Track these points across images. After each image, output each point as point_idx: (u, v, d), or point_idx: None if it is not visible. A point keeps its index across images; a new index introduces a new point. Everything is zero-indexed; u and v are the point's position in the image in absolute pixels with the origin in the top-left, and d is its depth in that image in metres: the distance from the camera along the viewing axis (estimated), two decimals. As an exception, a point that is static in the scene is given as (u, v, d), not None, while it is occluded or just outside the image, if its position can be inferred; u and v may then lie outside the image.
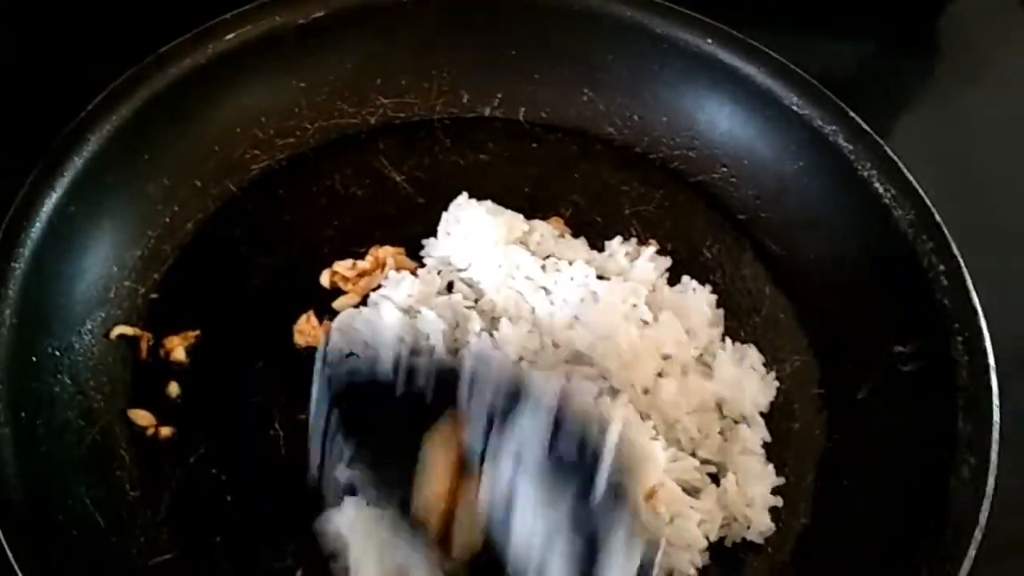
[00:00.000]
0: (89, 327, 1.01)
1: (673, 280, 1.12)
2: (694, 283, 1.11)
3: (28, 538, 0.83)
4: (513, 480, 0.74)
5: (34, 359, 0.94)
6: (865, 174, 1.10)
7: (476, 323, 1.04)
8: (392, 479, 0.81)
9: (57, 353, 0.97)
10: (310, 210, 1.15)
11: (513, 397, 0.76)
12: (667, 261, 1.12)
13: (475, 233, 1.08)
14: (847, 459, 1.01)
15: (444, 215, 1.11)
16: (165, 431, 0.99)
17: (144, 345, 1.03)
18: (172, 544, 0.93)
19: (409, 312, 1.04)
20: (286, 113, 1.19)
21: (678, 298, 1.09)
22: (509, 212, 1.12)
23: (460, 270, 1.09)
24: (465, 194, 1.12)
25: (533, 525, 0.73)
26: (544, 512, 0.73)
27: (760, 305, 1.13)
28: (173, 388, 1.02)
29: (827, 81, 1.15)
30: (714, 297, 1.10)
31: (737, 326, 1.11)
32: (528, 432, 0.74)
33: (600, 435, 0.74)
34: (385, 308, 1.03)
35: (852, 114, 1.12)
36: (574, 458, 0.74)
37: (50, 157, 1.00)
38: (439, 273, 1.09)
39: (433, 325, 1.02)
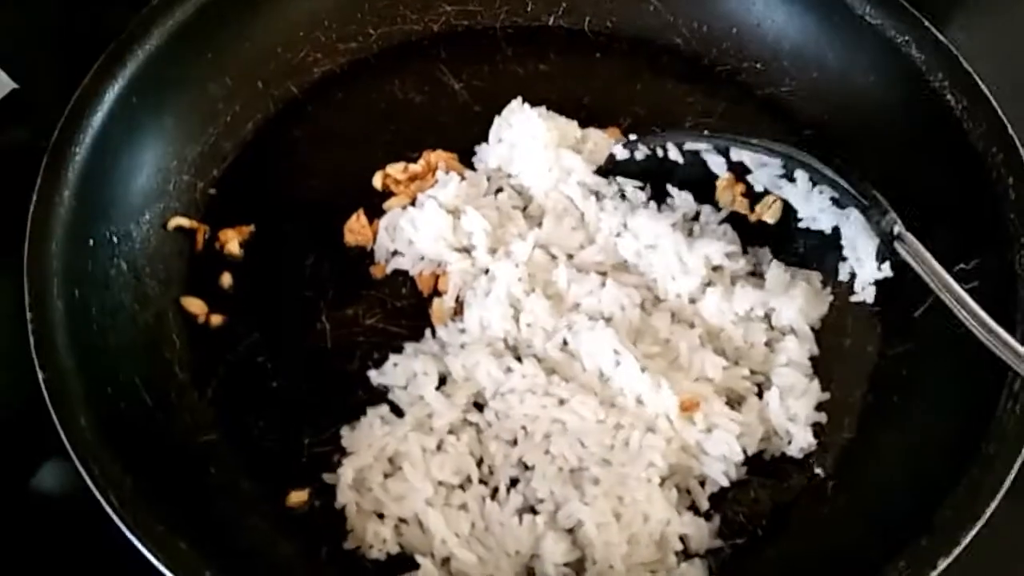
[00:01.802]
0: (148, 217, 1.04)
1: (731, 193, 1.09)
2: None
3: (76, 408, 0.87)
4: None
5: (91, 242, 0.98)
6: (937, 85, 1.05)
7: (521, 224, 1.04)
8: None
9: (115, 239, 1.00)
10: (368, 115, 1.16)
11: None
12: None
13: (526, 137, 1.07)
14: (898, 375, 0.99)
15: (496, 119, 1.10)
16: (216, 319, 1.02)
17: (200, 237, 1.06)
18: (217, 425, 0.96)
19: (455, 213, 1.04)
20: (349, 18, 1.19)
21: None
22: (563, 118, 1.11)
23: (510, 176, 1.09)
24: (519, 99, 1.11)
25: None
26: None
27: (821, 221, 1.10)
28: (226, 279, 1.04)
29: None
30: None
31: (795, 242, 1.08)
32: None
33: None
34: (429, 207, 1.04)
35: (927, 23, 1.07)
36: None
37: (114, 49, 1.03)
38: (489, 179, 1.09)
39: (476, 224, 1.02)
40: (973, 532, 0.81)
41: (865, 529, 0.89)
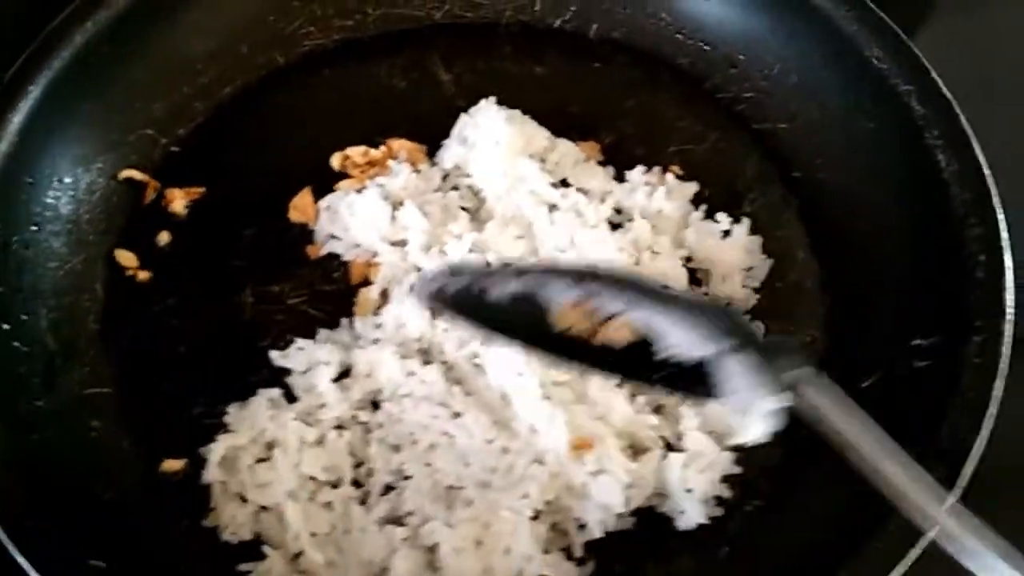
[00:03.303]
0: (100, 165, 1.04)
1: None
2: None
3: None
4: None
5: (30, 180, 0.98)
6: (931, 143, 0.96)
7: (464, 225, 1.00)
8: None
9: (59, 181, 1.00)
10: (348, 95, 1.13)
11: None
12: (693, 187, 1.05)
13: (488, 139, 1.03)
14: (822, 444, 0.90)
15: (462, 116, 1.06)
16: (143, 275, 1.01)
17: (150, 192, 1.05)
18: (114, 380, 0.96)
19: (398, 205, 1.01)
20: (351, -6, 1.17)
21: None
22: (533, 124, 1.06)
23: (468, 176, 1.05)
24: (492, 99, 1.07)
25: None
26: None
27: (787, 270, 1.02)
28: (164, 237, 1.04)
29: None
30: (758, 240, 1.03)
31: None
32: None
33: None
34: (371, 195, 1.01)
35: (933, 74, 0.99)
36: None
37: (88, -5, 1.03)
38: (445, 177, 1.05)
39: (413, 220, 0.99)
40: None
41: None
